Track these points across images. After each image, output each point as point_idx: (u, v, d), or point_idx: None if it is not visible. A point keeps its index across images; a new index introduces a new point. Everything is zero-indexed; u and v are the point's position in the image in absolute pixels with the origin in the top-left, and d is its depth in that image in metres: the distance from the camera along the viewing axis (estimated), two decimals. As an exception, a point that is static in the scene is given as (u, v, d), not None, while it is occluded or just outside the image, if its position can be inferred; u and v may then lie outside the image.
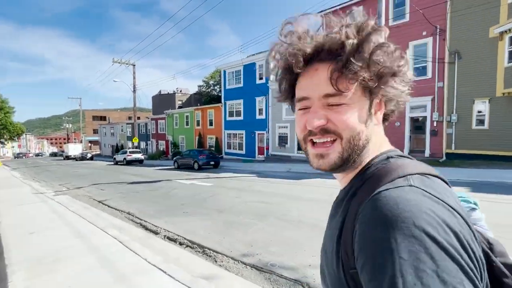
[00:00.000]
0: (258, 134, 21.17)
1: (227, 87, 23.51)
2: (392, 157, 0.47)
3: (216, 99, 37.51)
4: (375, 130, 0.50)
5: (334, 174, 0.54)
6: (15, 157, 64.34)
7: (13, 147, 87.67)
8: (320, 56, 0.47)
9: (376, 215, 0.37)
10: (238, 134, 22.72)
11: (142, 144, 36.13)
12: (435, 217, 0.34)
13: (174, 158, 19.01)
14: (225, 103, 23.75)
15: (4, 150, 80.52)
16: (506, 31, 11.06)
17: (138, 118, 51.08)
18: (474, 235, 0.37)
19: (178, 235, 4.98)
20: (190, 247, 4.51)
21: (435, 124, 12.94)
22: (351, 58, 0.44)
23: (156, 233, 5.24)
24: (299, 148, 18.54)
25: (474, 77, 11.90)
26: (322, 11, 13.98)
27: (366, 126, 0.48)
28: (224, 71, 23.64)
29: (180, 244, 4.68)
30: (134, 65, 29.06)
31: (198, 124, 27.04)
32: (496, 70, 11.42)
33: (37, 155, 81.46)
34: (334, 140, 0.48)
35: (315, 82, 0.48)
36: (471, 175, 9.32)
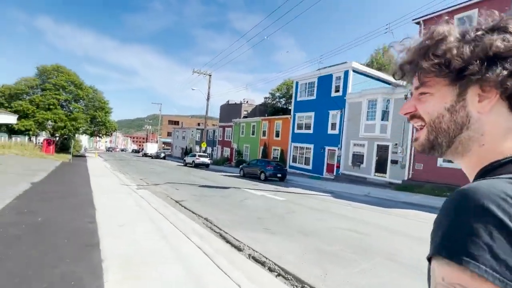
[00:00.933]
0: (329, 150, 19.63)
1: (298, 98, 22.80)
2: None
3: (281, 111, 37.26)
4: (481, 119, 0.47)
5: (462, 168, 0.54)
6: (106, 150, 76.61)
7: (106, 141, 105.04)
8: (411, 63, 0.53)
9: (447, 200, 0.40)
10: (306, 148, 21.56)
11: (208, 149, 38.15)
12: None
13: (241, 166, 19.01)
14: (294, 115, 23.03)
15: (100, 143, 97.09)
16: None
17: (198, 124, 54.97)
18: None
19: (266, 258, 4.21)
20: (284, 277, 3.68)
21: None
22: (424, 55, 0.50)
23: (239, 249, 4.60)
24: (377, 170, 16.32)
25: None
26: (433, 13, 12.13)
27: (451, 112, 0.49)
28: (297, 83, 23.06)
29: (270, 270, 3.90)
30: (210, 75, 31.17)
31: (264, 134, 26.95)
32: None
33: (122, 150, 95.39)
34: (423, 126, 0.53)
35: (415, 79, 0.55)
36: None
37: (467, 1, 11.85)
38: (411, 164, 14.49)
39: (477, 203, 0.34)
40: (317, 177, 19.19)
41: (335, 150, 19.07)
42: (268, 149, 25.80)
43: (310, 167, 20.95)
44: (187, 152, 43.96)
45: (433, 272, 0.37)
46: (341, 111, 18.61)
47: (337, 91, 19.21)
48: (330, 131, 19.52)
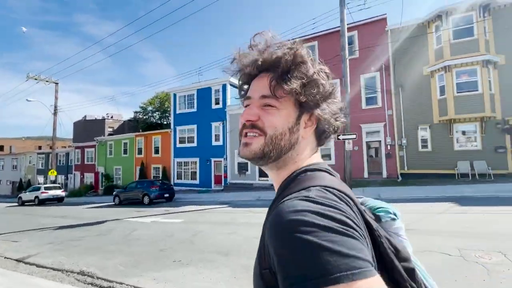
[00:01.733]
0: (215, 161, 19.59)
1: (178, 111, 21.59)
2: (309, 170, 0.54)
3: (155, 127, 34.31)
4: (302, 142, 0.57)
5: (270, 176, 0.63)
6: None
7: None
8: (267, 67, 0.57)
9: (271, 223, 0.43)
10: (191, 162, 20.57)
11: (60, 178, 29.35)
12: (312, 220, 0.39)
13: (114, 193, 15.61)
14: (175, 129, 21.56)
15: None
16: (435, 71, 13.38)
17: (50, 147, 42.14)
18: (363, 236, 0.41)
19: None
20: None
21: (389, 147, 14.21)
22: (286, 73, 0.54)
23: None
24: (261, 175, 17.77)
25: (416, 107, 13.78)
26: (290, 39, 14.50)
27: (291, 133, 0.55)
28: (174, 95, 21.82)
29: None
30: (57, 83, 24.57)
31: (140, 152, 23.59)
32: (431, 101, 13.50)
33: None
34: (260, 135, 0.55)
35: (259, 85, 0.57)
36: (420, 192, 10.13)
37: (311, 34, 15.25)
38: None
39: (315, 221, 0.39)
40: (206, 191, 18.67)
41: (221, 161, 19.29)
42: (147, 169, 22.79)
43: (197, 181, 20.12)
44: (22, 186, 32.10)
45: None
46: (223, 123, 19.13)
47: (217, 103, 19.66)
48: (214, 143, 19.59)
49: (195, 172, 20.38)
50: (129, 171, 24.07)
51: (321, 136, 0.60)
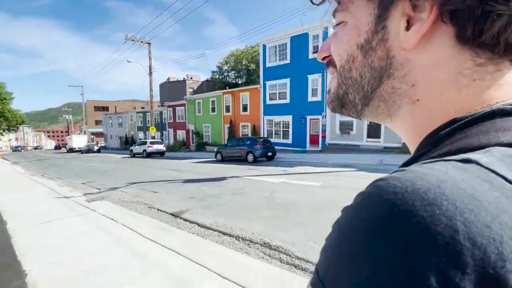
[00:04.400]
0: (310, 119, 17.67)
1: (268, 64, 19.79)
2: (504, 114, 0.24)
3: (233, 86, 33.81)
4: (412, 58, 0.27)
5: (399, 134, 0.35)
6: (13, 151, 60.41)
7: (9, 139, 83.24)
8: None
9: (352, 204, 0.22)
10: (283, 120, 19.17)
11: (157, 135, 32.61)
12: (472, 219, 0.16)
13: (216, 149, 15.55)
14: (264, 84, 20.09)
15: (0, 143, 76.03)
16: None
17: (143, 107, 47.20)
18: None
19: None
20: None
21: None
22: None
23: None
24: (370, 135, 15.12)
25: None
26: None
27: (366, 51, 0.30)
28: (264, 46, 19.87)
29: None
30: (150, 44, 25.42)
31: (228, 110, 23.40)
32: None
33: (35, 148, 77.61)
34: (334, 71, 0.35)
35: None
36: None
37: None
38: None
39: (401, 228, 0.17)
40: (302, 151, 17.23)
41: (318, 118, 17.22)
42: (235, 127, 22.58)
43: (289, 141, 18.82)
44: (128, 141, 37.13)
45: None
46: (322, 74, 16.55)
47: (315, 52, 16.93)
48: (310, 99, 17.44)
49: (287, 130, 18.98)
50: (218, 128, 24.45)
51: (476, 33, 0.23)
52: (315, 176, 8.62)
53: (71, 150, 37.19)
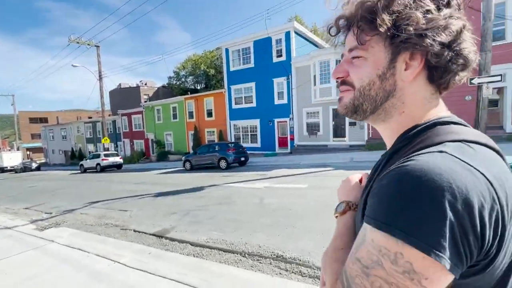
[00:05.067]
0: (278, 122, 17.77)
1: (232, 68, 19.43)
2: (440, 124, 0.45)
3: (192, 91, 32.65)
4: (405, 87, 0.47)
5: (381, 133, 0.55)
6: None
7: None
8: (354, 17, 0.48)
9: (396, 178, 0.38)
10: (250, 124, 18.94)
11: (111, 146, 29.63)
12: (458, 190, 0.34)
13: (184, 158, 14.58)
14: (229, 88, 19.66)
15: None
16: None
17: (90, 117, 42.56)
18: (503, 216, 0.36)
19: None
20: None
21: (518, 95, 11.35)
22: (370, 12, 0.45)
23: None
24: (336, 135, 15.78)
25: None
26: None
27: (382, 79, 0.47)
28: (227, 50, 19.48)
29: None
30: (98, 47, 23.13)
31: (191, 116, 22.31)
32: None
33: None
34: (351, 90, 0.51)
35: (349, 39, 0.51)
36: None
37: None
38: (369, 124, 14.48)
39: (430, 192, 0.34)
40: (272, 154, 17.21)
41: (286, 121, 17.42)
42: (201, 133, 21.64)
43: (258, 145, 18.67)
44: (75, 155, 33.11)
45: (368, 233, 0.39)
46: (287, 78, 16.83)
47: (279, 55, 17.18)
48: (277, 101, 17.57)
49: (256, 134, 18.82)
50: (181, 136, 23.15)
51: (436, 78, 0.46)
52: (296, 178, 8.51)
53: (2, 170, 31.70)
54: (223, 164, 12.59)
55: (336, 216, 0.58)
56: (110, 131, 29.59)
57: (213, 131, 21.03)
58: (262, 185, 7.77)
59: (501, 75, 9.20)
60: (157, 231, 4.77)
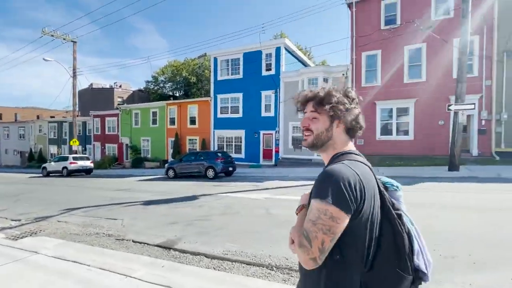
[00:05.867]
0: (264, 134, 17.82)
1: (220, 78, 19.32)
2: (345, 153, 0.94)
3: (170, 98, 31.74)
4: (336, 137, 0.96)
5: (322, 157, 1.04)
6: None
7: None
8: (313, 98, 0.99)
9: (319, 175, 0.85)
10: (235, 135, 18.75)
11: (79, 149, 27.35)
12: (343, 175, 0.80)
13: (167, 165, 13.88)
14: (215, 97, 19.42)
15: None
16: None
17: (53, 117, 39.00)
18: (364, 190, 0.82)
19: None
20: None
21: (483, 122, 12.67)
22: (321, 100, 0.96)
23: None
24: (320, 150, 16.20)
25: (523, 76, 12.05)
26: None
27: (327, 131, 0.95)
28: (215, 59, 19.40)
29: None
30: (75, 42, 21.84)
31: (172, 123, 21.52)
32: (542, 71, 11.78)
33: None
34: (311, 134, 0.97)
35: (309, 107, 0.99)
36: None
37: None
38: (353, 141, 15.09)
39: (333, 176, 0.80)
40: (257, 165, 17.10)
41: (271, 133, 17.54)
42: (182, 141, 20.91)
43: (242, 155, 18.47)
44: (33, 157, 30.02)
45: (312, 205, 0.82)
46: (275, 91, 17.13)
47: (268, 69, 17.50)
48: (264, 114, 17.70)
49: (240, 145, 18.65)
50: (160, 142, 22.15)
51: (349, 132, 0.98)
52: (293, 189, 8.49)
53: None
54: (210, 173, 12.19)
55: (297, 213, 0.93)
56: (80, 133, 27.42)
57: (196, 139, 20.46)
58: (261, 196, 7.61)
59: (474, 103, 10.24)
60: (162, 242, 4.39)
